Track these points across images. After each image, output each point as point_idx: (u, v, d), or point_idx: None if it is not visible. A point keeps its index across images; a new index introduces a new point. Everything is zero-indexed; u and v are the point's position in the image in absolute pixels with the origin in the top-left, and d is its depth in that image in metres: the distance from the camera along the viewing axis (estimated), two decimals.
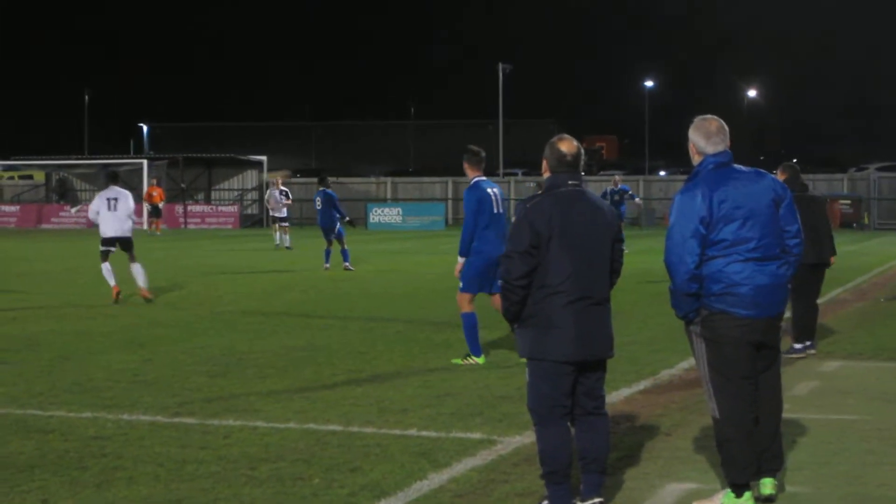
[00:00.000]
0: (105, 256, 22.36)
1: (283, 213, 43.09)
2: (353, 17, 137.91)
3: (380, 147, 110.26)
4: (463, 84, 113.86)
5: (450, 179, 68.54)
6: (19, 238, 50.17)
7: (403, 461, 9.56)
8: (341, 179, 66.23)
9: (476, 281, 14.45)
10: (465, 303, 14.61)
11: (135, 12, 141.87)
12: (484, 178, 14.58)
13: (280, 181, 46.53)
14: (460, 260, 14.50)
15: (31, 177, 78.19)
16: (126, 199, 22.62)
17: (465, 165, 14.64)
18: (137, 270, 22.31)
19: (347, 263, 30.65)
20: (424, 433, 10.59)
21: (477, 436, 10.46)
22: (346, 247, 31.10)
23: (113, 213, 22.44)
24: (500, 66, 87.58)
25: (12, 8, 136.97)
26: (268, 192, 47.63)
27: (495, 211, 14.47)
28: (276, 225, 43.35)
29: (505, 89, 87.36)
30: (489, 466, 9.43)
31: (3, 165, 76.48)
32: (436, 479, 9.01)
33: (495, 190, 14.64)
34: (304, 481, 9.01)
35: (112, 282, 22.22)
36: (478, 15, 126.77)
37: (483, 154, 14.67)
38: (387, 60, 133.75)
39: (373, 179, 74.74)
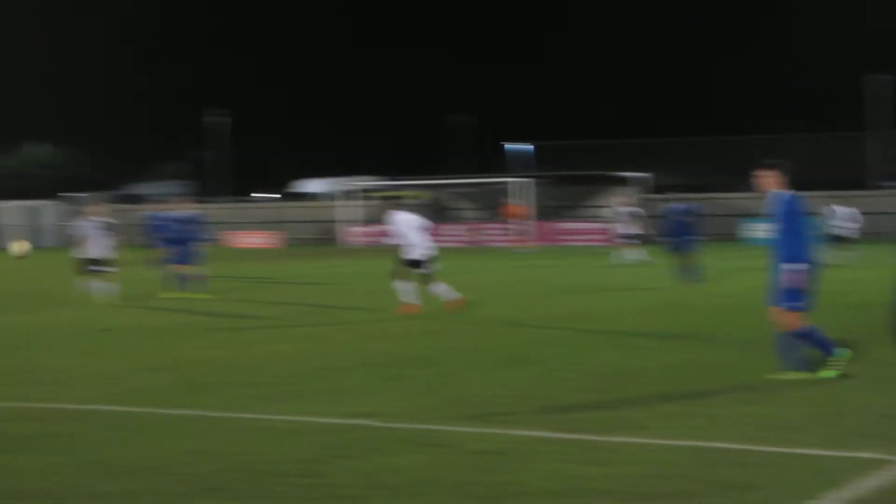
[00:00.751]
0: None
1: (632, 230, 43.47)
2: (729, 33, 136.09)
3: (750, 161, 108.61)
4: (841, 95, 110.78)
5: (826, 193, 66.86)
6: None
7: (798, 480, 9.36)
8: (714, 195, 65.44)
9: (800, 293, 14.20)
10: (794, 319, 14.31)
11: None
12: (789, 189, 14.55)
13: (626, 200, 46.82)
14: (792, 267, 14.16)
15: (399, 197, 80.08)
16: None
17: (777, 177, 14.54)
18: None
19: (691, 280, 30.43)
20: (817, 451, 10.33)
21: (872, 455, 10.13)
22: (692, 264, 30.83)
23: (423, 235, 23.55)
24: (871, 76, 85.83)
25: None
26: (616, 210, 47.98)
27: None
28: (623, 242, 43.72)
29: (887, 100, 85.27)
30: (888, 488, 9.14)
31: (386, 185, 78.82)
32: (833, 499, 8.78)
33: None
34: (698, 499, 8.94)
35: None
36: (851, 24, 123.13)
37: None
38: (759, 74, 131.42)
39: (746, 194, 73.58)
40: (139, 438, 11.70)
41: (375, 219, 69.79)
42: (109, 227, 30.35)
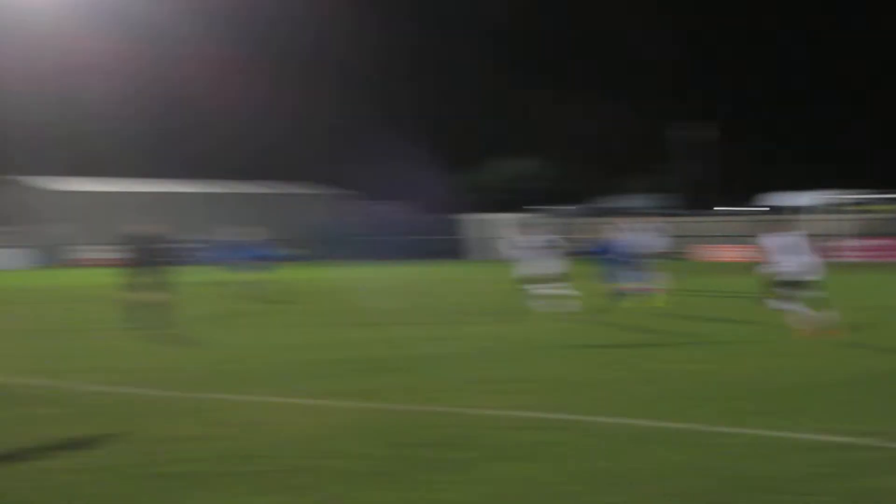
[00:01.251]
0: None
1: None
2: None
3: None
4: None
5: None
6: (880, 272, 49.71)
7: None
8: None
9: None
10: None
11: None
12: None
13: None
14: None
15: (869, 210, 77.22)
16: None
17: None
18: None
19: None
20: None
21: None
22: None
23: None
24: None
25: None
26: None
27: None
28: None
29: None
30: None
31: (875, 199, 76.35)
32: None
33: None
34: None
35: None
36: None
37: None
38: None
39: None
40: (628, 449, 11.65)
41: (868, 233, 67.48)
42: (553, 244, 30.47)
